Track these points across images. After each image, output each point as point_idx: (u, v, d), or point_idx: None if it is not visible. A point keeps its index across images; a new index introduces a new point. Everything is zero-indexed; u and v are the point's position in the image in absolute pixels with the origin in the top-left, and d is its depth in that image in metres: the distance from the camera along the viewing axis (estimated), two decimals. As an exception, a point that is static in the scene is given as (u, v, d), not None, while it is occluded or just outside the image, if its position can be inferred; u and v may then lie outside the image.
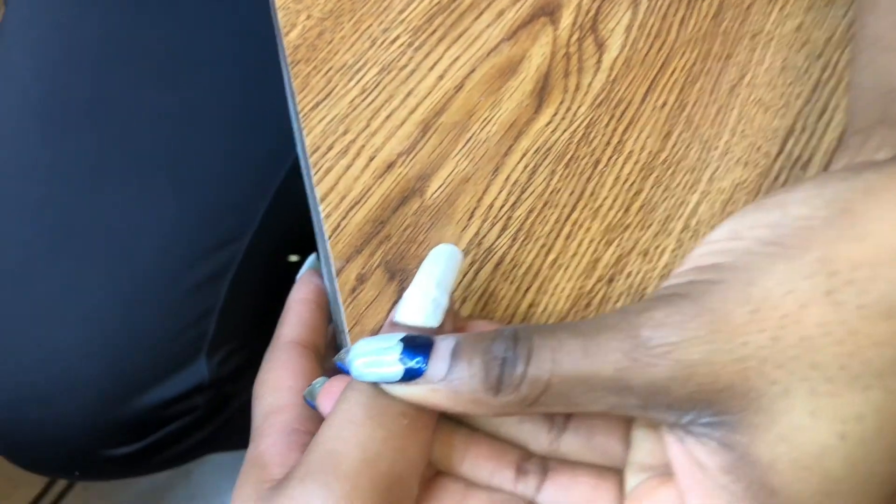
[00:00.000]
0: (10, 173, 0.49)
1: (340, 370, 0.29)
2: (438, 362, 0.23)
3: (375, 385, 0.24)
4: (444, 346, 0.24)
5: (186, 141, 0.51)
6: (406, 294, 0.26)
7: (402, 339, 0.24)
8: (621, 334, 0.22)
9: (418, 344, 0.24)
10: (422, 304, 0.26)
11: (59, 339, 0.46)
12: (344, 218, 0.32)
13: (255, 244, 0.52)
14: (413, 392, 0.24)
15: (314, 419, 0.28)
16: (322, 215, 0.32)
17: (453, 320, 0.27)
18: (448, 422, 0.27)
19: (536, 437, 0.27)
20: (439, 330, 0.26)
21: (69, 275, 0.47)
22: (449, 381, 0.23)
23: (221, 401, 0.54)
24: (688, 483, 0.22)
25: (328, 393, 0.27)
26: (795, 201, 0.22)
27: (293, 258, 0.74)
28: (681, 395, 0.21)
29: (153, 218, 0.49)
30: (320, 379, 0.29)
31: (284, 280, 0.61)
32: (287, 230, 0.56)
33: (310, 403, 0.28)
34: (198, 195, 0.50)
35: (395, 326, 0.26)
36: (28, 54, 0.53)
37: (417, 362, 0.23)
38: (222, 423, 0.56)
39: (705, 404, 0.21)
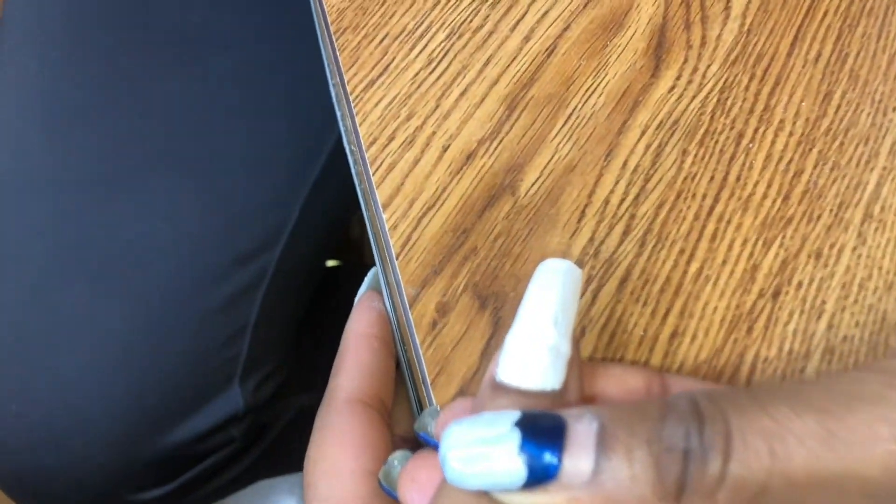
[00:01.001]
0: (14, 186, 0.44)
1: (424, 443, 0.21)
2: (580, 456, 0.15)
3: (485, 493, 0.16)
4: (584, 431, 0.16)
5: (206, 136, 0.45)
6: (510, 340, 0.18)
7: (519, 421, 0.16)
8: (891, 410, 0.14)
9: (545, 427, 0.16)
10: (535, 354, 0.18)
11: (73, 371, 0.41)
12: (415, 229, 0.25)
13: (288, 251, 0.46)
14: (544, 503, 0.16)
15: None
16: (386, 226, 0.25)
17: (580, 373, 0.19)
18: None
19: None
20: (563, 393, 0.18)
21: (83, 298, 0.42)
22: (599, 486, 0.15)
23: (259, 430, 0.48)
24: None
25: (414, 483, 0.19)
26: None
27: (331, 263, 0.67)
28: None
29: (173, 227, 0.43)
30: (398, 454, 0.21)
31: (323, 288, 0.55)
32: (324, 232, 0.50)
33: (387, 491, 0.20)
34: (222, 198, 0.44)
35: (500, 390, 0.18)
36: (29, 49, 0.46)
37: (548, 457, 0.16)
38: (263, 452, 0.50)
39: None
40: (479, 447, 0.16)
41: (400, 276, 0.24)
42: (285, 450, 0.52)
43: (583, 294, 0.24)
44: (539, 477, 0.15)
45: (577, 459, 0.15)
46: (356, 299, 0.28)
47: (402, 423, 0.25)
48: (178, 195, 0.43)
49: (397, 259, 0.24)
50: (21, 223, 0.43)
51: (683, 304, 0.24)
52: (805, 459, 0.14)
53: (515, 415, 0.16)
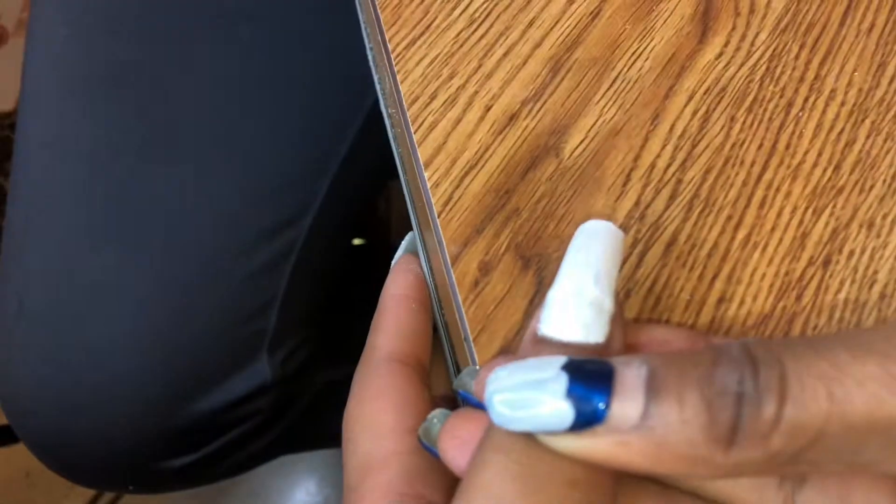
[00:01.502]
0: (50, 150, 0.44)
1: (463, 401, 0.21)
2: (628, 400, 0.15)
3: (528, 436, 0.16)
4: (633, 376, 0.15)
5: (237, 107, 0.45)
6: (552, 296, 0.18)
7: (566, 366, 0.16)
8: None
9: (592, 372, 0.15)
10: (578, 309, 0.17)
11: (102, 337, 0.41)
12: (457, 187, 0.24)
13: (317, 225, 0.46)
14: (591, 447, 0.15)
15: (429, 475, 0.20)
16: (428, 185, 0.24)
17: (623, 330, 0.19)
18: (629, 476, 0.19)
19: (761, 494, 0.18)
20: (606, 347, 0.17)
21: (113, 265, 0.42)
22: (649, 430, 0.15)
23: (287, 402, 0.48)
24: None
25: (455, 439, 0.18)
26: None
27: (357, 241, 0.67)
28: None
29: (206, 197, 0.43)
30: (438, 412, 0.20)
31: (350, 264, 0.55)
32: (353, 207, 0.50)
33: (427, 448, 0.20)
34: (252, 170, 0.44)
35: (543, 344, 0.17)
36: (62, 15, 0.46)
37: (595, 401, 0.15)
38: (289, 425, 0.50)
39: None
40: (525, 391, 0.15)
41: (442, 235, 0.23)
42: (310, 425, 0.52)
43: (628, 257, 0.23)
44: (586, 420, 0.15)
45: (626, 402, 0.15)
46: (393, 262, 0.27)
47: (439, 386, 0.25)
48: (208, 166, 0.43)
49: (439, 217, 0.24)
50: (52, 190, 0.43)
51: (731, 269, 0.23)
52: (866, 403, 0.14)
53: (561, 359, 0.16)
